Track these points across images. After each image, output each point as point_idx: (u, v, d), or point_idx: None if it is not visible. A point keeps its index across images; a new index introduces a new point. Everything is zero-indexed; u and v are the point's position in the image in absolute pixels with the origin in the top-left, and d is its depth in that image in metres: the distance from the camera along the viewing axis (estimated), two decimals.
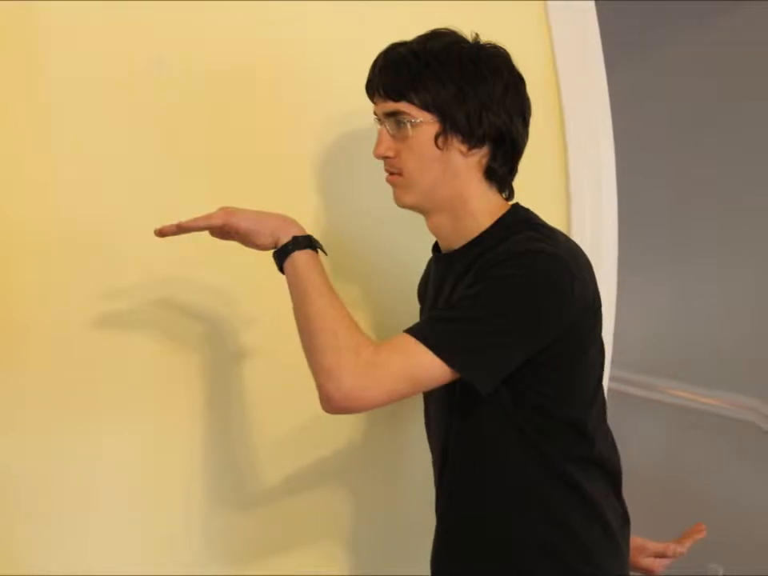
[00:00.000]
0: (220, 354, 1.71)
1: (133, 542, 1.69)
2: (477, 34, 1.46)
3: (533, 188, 1.59)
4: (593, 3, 1.93)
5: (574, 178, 1.93)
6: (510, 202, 1.51)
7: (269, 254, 1.44)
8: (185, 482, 1.70)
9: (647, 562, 1.64)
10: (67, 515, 1.64)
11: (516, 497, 1.45)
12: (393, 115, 1.44)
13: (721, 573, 3.09)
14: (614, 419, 1.56)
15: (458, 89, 1.41)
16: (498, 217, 1.46)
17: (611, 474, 1.51)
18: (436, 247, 1.57)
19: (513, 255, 1.37)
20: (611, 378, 1.96)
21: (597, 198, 1.95)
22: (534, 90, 1.51)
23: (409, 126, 1.43)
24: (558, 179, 1.93)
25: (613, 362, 1.96)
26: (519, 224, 1.45)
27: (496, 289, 1.35)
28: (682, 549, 1.63)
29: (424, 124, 1.42)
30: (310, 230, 1.44)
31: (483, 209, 1.47)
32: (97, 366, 1.64)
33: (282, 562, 1.78)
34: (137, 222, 1.58)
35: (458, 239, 1.48)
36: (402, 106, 1.43)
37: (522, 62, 1.49)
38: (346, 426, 1.80)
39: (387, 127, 1.45)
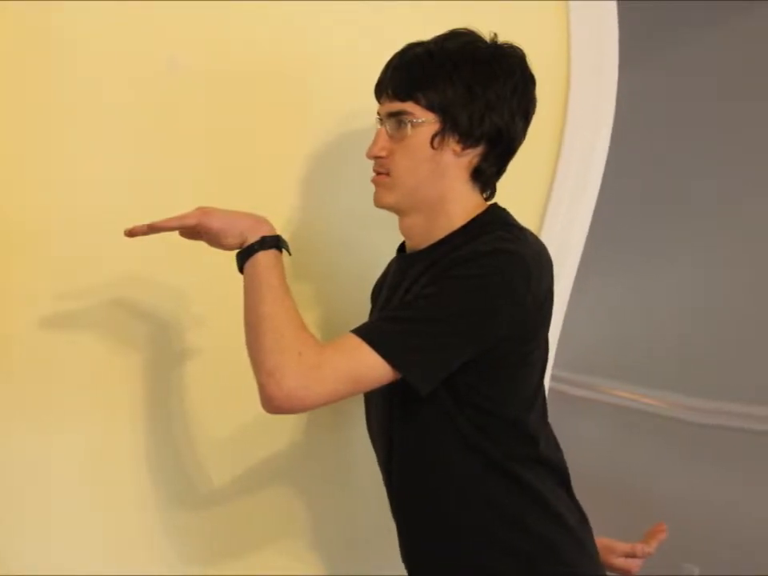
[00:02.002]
0: (164, 354, 1.69)
1: (90, 542, 1.67)
2: (495, 34, 1.45)
3: (516, 184, 1.59)
4: (614, 4, 1.93)
5: (559, 178, 1.93)
6: (489, 202, 1.50)
7: (222, 254, 1.43)
8: (135, 482, 1.69)
9: (620, 561, 1.65)
10: (17, 515, 1.63)
11: (465, 497, 1.44)
12: (395, 115, 1.43)
13: (696, 572, 3.11)
14: (553, 419, 1.56)
15: (467, 89, 1.41)
16: (472, 217, 1.46)
17: (559, 473, 1.50)
18: (401, 248, 1.56)
19: (479, 254, 1.36)
20: (553, 378, 1.95)
21: (576, 201, 1.94)
22: (543, 89, 1.51)
23: (409, 126, 1.42)
24: (545, 178, 1.93)
25: (555, 361, 1.95)
26: (490, 224, 1.44)
27: (450, 289, 1.34)
28: (650, 549, 1.65)
29: (425, 124, 1.42)
30: (281, 231, 1.43)
31: (460, 210, 1.46)
32: (40, 365, 1.62)
33: (240, 561, 1.77)
34: (87, 222, 1.58)
35: (427, 239, 1.47)
36: (408, 106, 1.42)
37: (537, 60, 1.49)
38: (290, 426, 1.78)
39: (387, 127, 1.45)
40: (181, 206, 1.44)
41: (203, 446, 1.72)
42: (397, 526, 1.55)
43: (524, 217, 1.53)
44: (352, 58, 1.74)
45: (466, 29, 1.46)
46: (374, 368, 1.31)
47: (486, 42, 1.45)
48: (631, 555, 1.65)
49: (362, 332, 1.33)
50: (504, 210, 1.50)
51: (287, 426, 1.78)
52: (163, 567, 1.69)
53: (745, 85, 3.23)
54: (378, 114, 1.48)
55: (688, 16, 3.20)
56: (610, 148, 1.93)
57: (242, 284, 1.40)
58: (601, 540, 1.58)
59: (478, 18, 1.52)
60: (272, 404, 1.30)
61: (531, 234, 1.49)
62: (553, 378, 1.89)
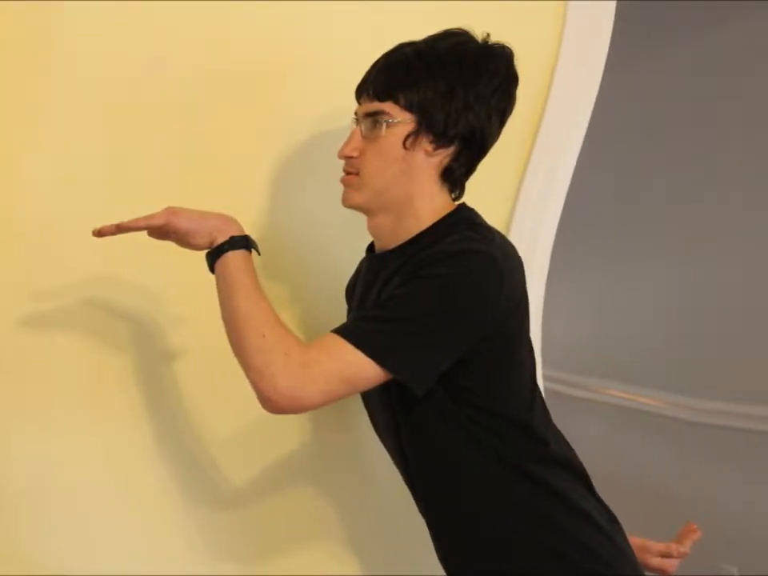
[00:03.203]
0: (149, 354, 1.69)
1: (119, 542, 1.67)
2: (488, 34, 1.45)
3: (485, 184, 1.58)
4: (613, 4, 1.93)
5: (529, 177, 1.91)
6: (457, 202, 1.50)
7: (199, 254, 1.43)
8: (159, 483, 1.68)
9: (657, 561, 1.63)
10: (42, 516, 1.62)
11: (489, 498, 1.44)
12: (372, 115, 1.43)
13: (735, 572, 3.08)
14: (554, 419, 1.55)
15: (448, 89, 1.40)
16: (440, 217, 1.45)
17: (577, 473, 1.50)
18: (370, 248, 1.56)
19: (448, 254, 1.36)
20: (548, 378, 1.95)
21: (544, 201, 1.92)
22: (525, 87, 1.51)
23: (384, 126, 1.41)
24: (513, 178, 1.91)
25: (549, 362, 1.94)
26: (459, 223, 1.44)
27: (423, 288, 1.34)
28: (685, 548, 1.64)
29: (400, 124, 1.41)
30: (249, 230, 1.43)
31: (428, 209, 1.45)
32: (26, 366, 1.61)
33: (271, 560, 1.76)
34: (62, 222, 1.58)
35: (395, 239, 1.47)
36: (386, 107, 1.41)
37: (524, 60, 1.49)
38: (313, 424, 1.78)
39: (362, 127, 1.44)
40: (152, 206, 1.43)
41: (229, 446, 1.72)
42: (428, 528, 1.54)
43: (492, 217, 1.52)
44: (330, 57, 1.73)
45: (459, 29, 1.45)
46: (362, 367, 1.31)
47: (477, 42, 1.44)
48: (666, 555, 1.63)
49: (343, 332, 1.33)
50: (472, 210, 1.49)
51: (309, 424, 1.78)
52: (181, 567, 1.69)
53: (713, 86, 3.28)
54: (356, 114, 1.47)
55: (671, 17, 3.22)
56: (588, 148, 1.94)
57: None
58: (634, 539, 1.56)
59: (472, 15, 1.52)
60: (271, 404, 1.30)
61: (499, 234, 1.48)
62: (546, 378, 1.87)
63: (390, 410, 1.47)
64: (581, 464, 1.50)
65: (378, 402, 1.51)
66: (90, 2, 1.59)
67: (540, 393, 1.51)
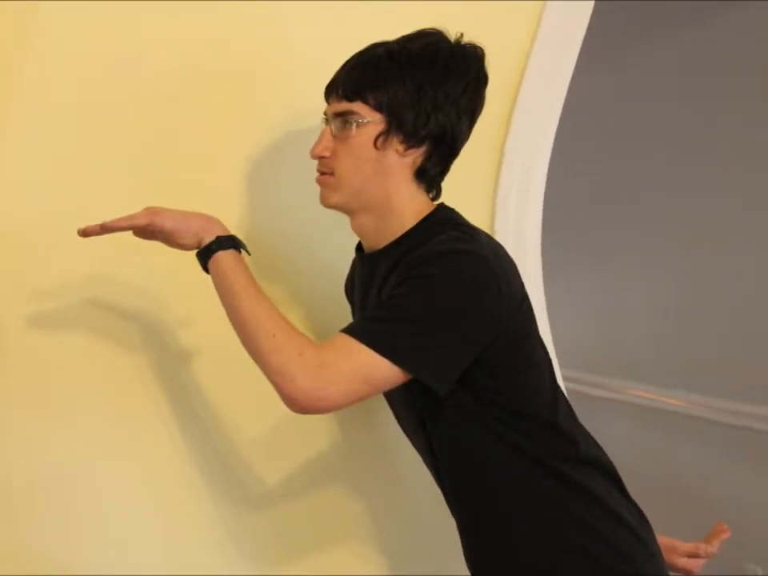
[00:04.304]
0: (174, 353, 1.69)
1: (151, 543, 1.67)
2: (461, 34, 1.44)
3: (461, 184, 1.58)
4: (591, 4, 1.93)
5: (504, 176, 1.90)
6: (436, 202, 1.50)
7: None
8: (190, 483, 1.69)
9: (683, 561, 1.62)
10: (72, 517, 1.62)
11: (520, 497, 1.44)
12: (342, 115, 1.43)
13: (760, 572, 3.06)
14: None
15: (417, 89, 1.40)
16: (422, 217, 1.45)
17: (608, 473, 1.49)
18: (359, 247, 1.56)
19: (436, 254, 1.35)
20: (568, 379, 1.92)
21: (524, 199, 1.91)
22: (494, 87, 1.50)
23: (354, 126, 1.41)
24: (488, 177, 1.91)
25: (568, 363, 1.93)
26: (443, 223, 1.44)
27: (422, 288, 1.33)
28: (713, 549, 1.63)
29: (370, 124, 1.41)
30: (234, 230, 1.44)
31: (408, 209, 1.45)
32: (48, 367, 1.61)
33: (302, 561, 1.77)
34: (63, 221, 1.54)
35: (381, 239, 1.47)
36: (355, 107, 1.41)
37: (498, 57, 1.49)
38: (341, 424, 1.79)
39: (332, 127, 1.44)
40: (126, 205, 1.43)
41: (248, 447, 1.72)
42: (457, 527, 1.54)
43: (474, 217, 1.52)
44: (306, 57, 1.72)
45: (433, 29, 1.45)
46: (378, 367, 1.30)
47: (449, 42, 1.44)
48: (694, 555, 1.62)
49: (353, 331, 1.32)
50: (452, 210, 1.50)
51: (338, 425, 1.78)
52: (221, 567, 1.70)
53: (702, 85, 3.26)
54: (325, 114, 1.47)
55: (649, 18, 3.22)
56: (576, 147, 1.97)
57: None
58: (663, 539, 1.55)
59: (448, 16, 1.51)
60: (295, 404, 1.29)
61: (485, 234, 1.48)
62: (566, 378, 1.86)
63: (414, 410, 1.48)
64: (611, 463, 1.50)
65: (401, 403, 1.51)
66: (63, 1, 1.58)
67: (562, 392, 1.51)
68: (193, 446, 1.68)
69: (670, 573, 1.57)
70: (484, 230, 1.49)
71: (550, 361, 1.50)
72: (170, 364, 1.67)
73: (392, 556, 1.82)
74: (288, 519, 1.75)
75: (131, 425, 1.65)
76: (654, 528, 1.50)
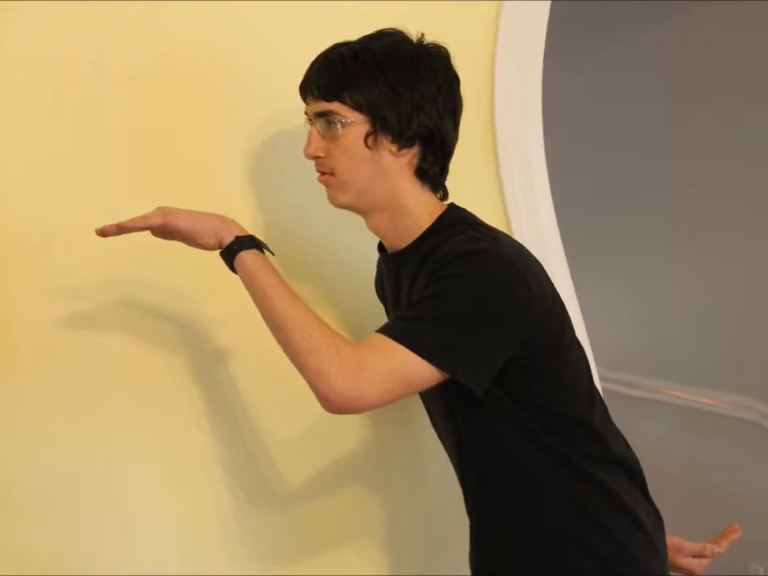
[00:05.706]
0: (206, 353, 1.70)
1: (164, 542, 1.69)
2: (422, 34, 1.46)
3: (465, 189, 1.58)
4: (548, 4, 1.92)
5: (505, 178, 1.90)
6: (446, 202, 1.50)
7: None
8: (209, 483, 1.70)
9: (686, 561, 1.63)
10: (93, 515, 1.65)
11: (542, 498, 1.45)
12: (323, 115, 1.44)
13: (761, 573, 3.06)
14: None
15: (391, 89, 1.41)
16: (436, 216, 1.46)
17: (634, 474, 1.50)
18: (381, 247, 1.56)
19: (459, 255, 1.36)
20: (604, 379, 1.93)
21: (531, 197, 1.91)
22: (468, 90, 1.51)
23: (339, 125, 1.42)
24: (490, 178, 1.90)
25: (604, 362, 1.96)
26: (458, 223, 1.45)
27: (450, 289, 1.34)
28: (720, 549, 1.63)
29: (354, 124, 1.42)
30: (249, 231, 1.45)
31: (420, 208, 1.46)
32: (81, 366, 1.64)
33: (318, 561, 1.78)
34: (89, 221, 1.54)
35: (400, 239, 1.48)
36: (334, 106, 1.42)
37: (462, 60, 1.49)
38: (360, 426, 1.79)
39: (318, 127, 1.45)
40: (123, 207, 1.46)
41: (274, 446, 1.73)
42: (470, 526, 1.55)
43: (489, 218, 1.52)
44: (292, 57, 1.66)
45: (393, 29, 1.46)
46: (415, 366, 1.31)
47: (411, 42, 1.45)
48: (700, 555, 1.63)
49: (389, 332, 1.33)
50: (464, 209, 1.50)
51: (358, 426, 1.79)
52: (244, 567, 1.71)
53: (688, 85, 3.25)
54: (306, 113, 1.48)
55: (627, 16, 3.22)
56: (581, 149, 1.92)
57: None
58: (671, 539, 1.57)
59: (407, 16, 1.52)
60: (331, 405, 1.31)
61: (503, 234, 1.49)
62: (602, 378, 1.86)
63: (449, 410, 1.48)
64: (637, 464, 1.51)
65: (438, 402, 1.51)
66: (30, 1, 1.57)
67: (599, 392, 1.52)
68: (221, 447, 1.70)
69: (672, 573, 1.57)
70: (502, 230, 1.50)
71: (586, 360, 1.51)
72: (201, 364, 1.69)
73: (407, 556, 1.83)
74: (307, 520, 1.76)
75: (159, 426, 1.66)
76: (683, 529, 1.54)
